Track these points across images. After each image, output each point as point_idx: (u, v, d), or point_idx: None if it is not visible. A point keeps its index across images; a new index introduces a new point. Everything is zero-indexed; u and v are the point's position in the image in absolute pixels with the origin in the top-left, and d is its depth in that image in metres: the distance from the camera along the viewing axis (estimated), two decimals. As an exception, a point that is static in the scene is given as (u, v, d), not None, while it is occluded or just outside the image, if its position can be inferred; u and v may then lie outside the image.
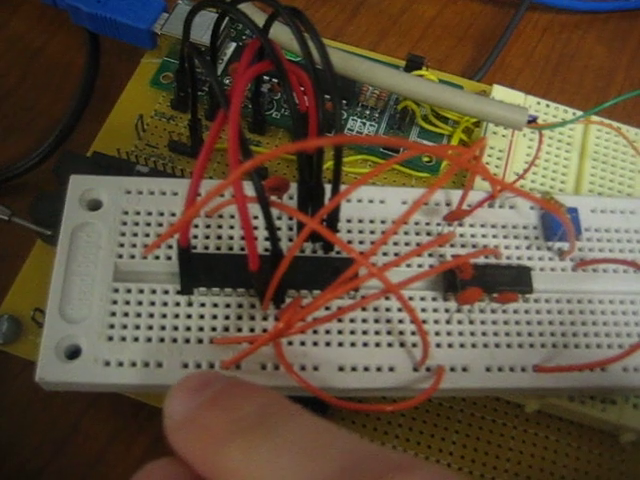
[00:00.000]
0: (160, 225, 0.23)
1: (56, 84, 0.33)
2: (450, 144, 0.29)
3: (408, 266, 0.23)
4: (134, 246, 0.22)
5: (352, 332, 0.22)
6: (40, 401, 0.26)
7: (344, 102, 0.29)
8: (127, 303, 0.22)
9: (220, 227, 0.23)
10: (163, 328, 0.21)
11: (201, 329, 0.21)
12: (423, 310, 0.22)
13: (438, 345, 0.22)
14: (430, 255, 0.23)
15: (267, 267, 0.20)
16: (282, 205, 0.19)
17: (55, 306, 0.21)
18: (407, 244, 0.24)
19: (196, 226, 0.23)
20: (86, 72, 0.30)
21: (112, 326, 0.21)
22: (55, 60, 0.34)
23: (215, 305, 0.22)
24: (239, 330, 0.21)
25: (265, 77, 0.29)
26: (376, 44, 0.35)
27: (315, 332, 0.22)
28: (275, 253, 0.20)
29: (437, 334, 0.22)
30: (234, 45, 0.31)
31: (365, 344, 0.22)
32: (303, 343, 0.21)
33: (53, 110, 0.32)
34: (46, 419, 0.26)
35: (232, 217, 0.23)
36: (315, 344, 0.21)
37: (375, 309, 0.22)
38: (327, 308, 0.22)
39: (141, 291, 0.22)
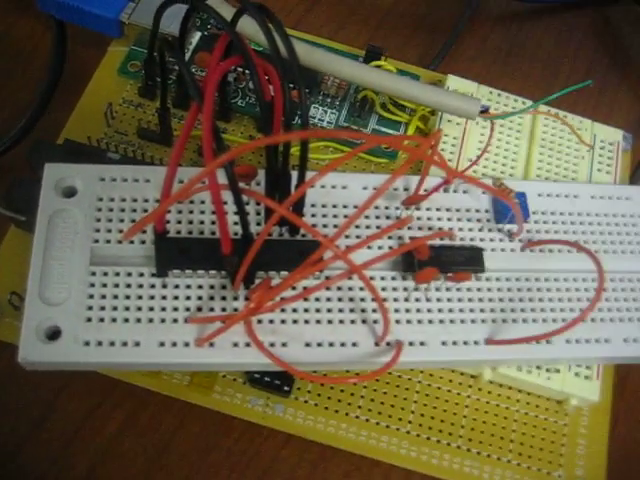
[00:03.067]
0: (134, 211, 0.24)
1: (21, 70, 0.33)
2: (407, 134, 0.30)
3: (369, 247, 0.24)
4: (109, 231, 0.23)
5: (317, 310, 0.23)
6: (16, 381, 0.27)
7: (306, 91, 0.31)
8: (104, 286, 0.23)
9: (191, 212, 0.24)
10: (139, 309, 0.22)
11: (176, 309, 0.22)
12: (383, 289, 0.24)
13: (397, 321, 0.23)
14: (389, 237, 0.25)
15: (238, 250, 0.21)
16: (252, 192, 0.20)
17: (35, 289, 0.22)
18: (368, 227, 0.25)
19: (168, 211, 0.24)
20: (53, 59, 0.31)
21: (90, 308, 0.22)
22: (19, 46, 0.34)
23: (188, 286, 0.23)
24: (211, 310, 0.23)
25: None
26: (335, 33, 0.36)
27: (283, 310, 0.23)
28: (246, 237, 0.21)
29: (396, 311, 0.24)
30: (199, 34, 0.32)
31: (330, 321, 0.23)
32: (272, 321, 0.23)
33: (18, 96, 0.33)
34: (22, 398, 0.26)
35: (202, 202, 0.24)
36: (283, 322, 0.23)
37: (339, 288, 0.24)
38: (294, 288, 0.23)
39: (117, 274, 0.23)
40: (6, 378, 0.27)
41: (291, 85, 0.21)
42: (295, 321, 0.23)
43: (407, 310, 0.24)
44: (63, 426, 0.26)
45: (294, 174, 0.23)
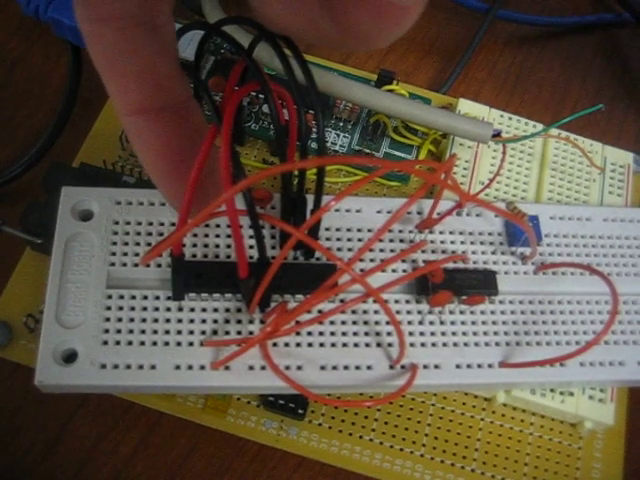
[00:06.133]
0: (150, 234, 0.24)
1: (36, 94, 0.34)
2: (420, 158, 0.30)
3: (383, 271, 0.25)
4: (125, 254, 0.24)
5: (332, 333, 0.23)
6: (30, 403, 0.27)
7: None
8: (120, 309, 0.23)
9: (206, 235, 0.24)
10: (155, 332, 0.22)
11: (191, 332, 0.23)
12: (398, 312, 0.24)
13: (412, 344, 0.24)
14: (403, 260, 0.25)
15: (254, 274, 0.21)
16: (270, 217, 0.20)
17: (51, 312, 0.22)
18: (382, 250, 0.25)
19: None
20: (69, 83, 0.31)
21: (107, 331, 0.22)
22: (34, 70, 0.34)
23: (204, 310, 0.23)
24: (227, 333, 0.23)
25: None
26: (346, 57, 0.36)
27: (298, 334, 0.23)
28: (262, 261, 0.21)
29: (411, 334, 0.24)
30: (213, 59, 0.32)
31: (345, 344, 0.23)
32: (287, 344, 0.23)
33: (33, 120, 0.33)
34: (36, 420, 0.27)
35: (217, 226, 0.24)
36: (298, 345, 0.23)
37: (353, 311, 0.24)
38: (309, 311, 0.23)
39: (133, 297, 0.23)
40: (20, 399, 0.27)
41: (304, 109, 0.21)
42: (310, 344, 0.23)
43: (421, 333, 0.24)
44: (76, 447, 0.26)
45: (309, 197, 0.23)
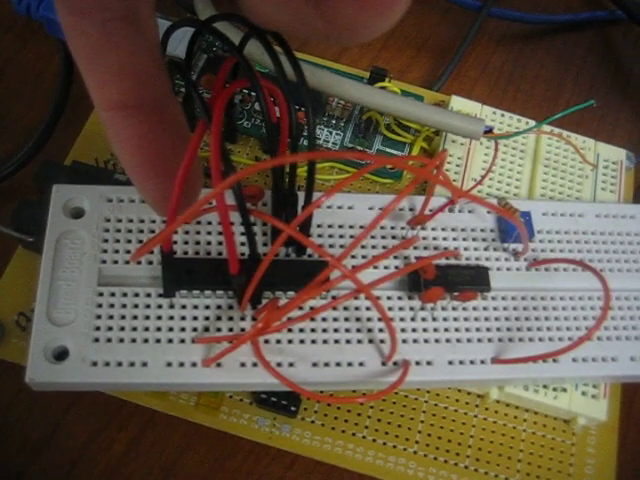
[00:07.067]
0: (141, 231, 0.24)
1: (28, 93, 0.34)
2: (412, 155, 0.30)
3: (375, 267, 0.25)
4: (117, 252, 0.24)
5: (324, 330, 0.23)
6: (22, 401, 0.27)
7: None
8: (111, 306, 0.23)
9: (198, 233, 0.24)
10: (147, 329, 0.22)
11: (183, 330, 0.23)
12: (390, 309, 0.24)
13: (404, 341, 0.24)
14: (395, 257, 0.25)
15: (245, 270, 0.21)
16: (261, 213, 0.20)
17: (42, 310, 0.22)
18: (374, 247, 0.25)
19: (175, 232, 0.24)
20: (61, 82, 0.31)
21: (98, 328, 0.22)
22: (27, 69, 0.34)
23: (195, 307, 0.23)
24: (218, 330, 0.23)
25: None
26: (340, 55, 0.36)
27: (290, 330, 0.23)
28: (253, 258, 0.21)
29: (403, 331, 0.24)
30: (205, 57, 0.32)
31: (336, 341, 0.23)
32: (279, 341, 0.23)
33: (26, 119, 0.33)
34: (28, 419, 0.26)
35: (209, 223, 0.24)
36: (290, 342, 0.23)
37: (345, 308, 0.24)
38: (300, 308, 0.23)
39: (124, 294, 0.23)
40: (13, 398, 0.27)
41: (296, 107, 0.21)
42: (302, 341, 0.23)
43: (414, 330, 0.24)
44: (69, 446, 0.26)
45: (300, 194, 0.23)
